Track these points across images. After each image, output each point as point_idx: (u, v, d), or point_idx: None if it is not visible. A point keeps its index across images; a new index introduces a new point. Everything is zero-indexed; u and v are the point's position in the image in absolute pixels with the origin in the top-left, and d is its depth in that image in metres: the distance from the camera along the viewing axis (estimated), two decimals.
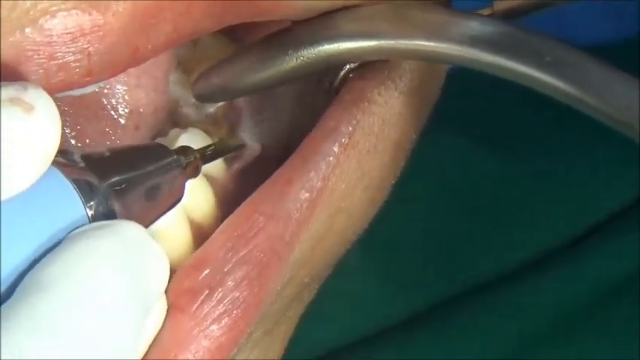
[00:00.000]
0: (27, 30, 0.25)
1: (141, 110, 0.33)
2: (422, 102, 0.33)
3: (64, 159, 0.26)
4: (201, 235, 0.30)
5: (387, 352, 0.46)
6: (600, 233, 0.46)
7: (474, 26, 0.27)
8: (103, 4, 0.26)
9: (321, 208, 0.30)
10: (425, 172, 0.47)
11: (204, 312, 0.28)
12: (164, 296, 0.28)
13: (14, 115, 0.24)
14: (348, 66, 0.32)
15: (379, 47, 0.29)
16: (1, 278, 0.24)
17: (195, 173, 0.30)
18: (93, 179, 0.26)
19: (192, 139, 0.32)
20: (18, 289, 0.24)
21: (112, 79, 0.31)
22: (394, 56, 0.30)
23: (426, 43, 0.28)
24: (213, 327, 0.28)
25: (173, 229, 0.30)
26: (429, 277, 0.47)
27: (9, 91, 0.24)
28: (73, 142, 0.32)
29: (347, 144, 0.30)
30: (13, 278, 0.24)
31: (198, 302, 0.28)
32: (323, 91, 0.33)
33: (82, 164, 0.26)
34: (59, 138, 0.25)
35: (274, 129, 0.34)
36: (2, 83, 0.24)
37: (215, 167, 0.33)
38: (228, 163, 0.34)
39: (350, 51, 0.29)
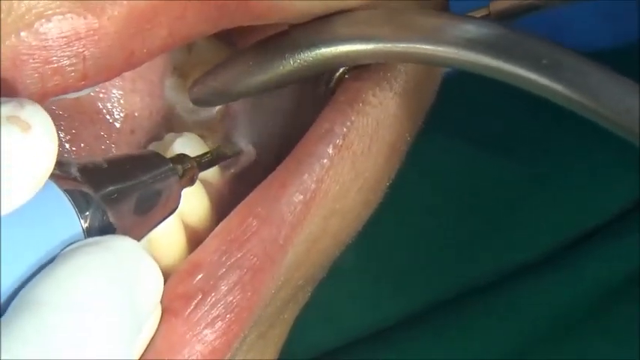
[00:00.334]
0: (22, 34, 0.25)
1: (136, 114, 0.33)
2: (417, 104, 0.33)
3: (59, 170, 0.26)
4: (196, 239, 0.30)
5: (386, 353, 0.46)
6: (600, 235, 0.46)
7: (471, 29, 0.27)
8: (98, 8, 0.26)
9: (315, 210, 0.30)
10: (424, 174, 0.47)
11: (198, 316, 0.28)
12: (159, 305, 0.28)
13: (12, 133, 0.24)
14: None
15: (376, 50, 0.29)
16: (1, 292, 0.24)
17: (191, 182, 0.30)
18: (88, 190, 0.26)
19: (188, 143, 0.32)
20: (12, 304, 0.24)
21: (107, 83, 0.31)
22: (391, 59, 0.30)
23: (423, 46, 0.28)
24: (207, 331, 0.28)
25: (168, 233, 0.30)
26: (426, 279, 0.47)
27: (6, 108, 0.24)
28: (67, 146, 0.33)
29: (341, 145, 0.30)
30: (10, 293, 0.24)
31: (192, 307, 0.28)
32: (319, 93, 0.33)
33: (77, 175, 0.26)
34: (56, 153, 0.25)
35: (270, 133, 0.34)
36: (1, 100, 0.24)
37: (210, 172, 0.32)
38: (223, 168, 0.33)
39: (347, 54, 0.29)
